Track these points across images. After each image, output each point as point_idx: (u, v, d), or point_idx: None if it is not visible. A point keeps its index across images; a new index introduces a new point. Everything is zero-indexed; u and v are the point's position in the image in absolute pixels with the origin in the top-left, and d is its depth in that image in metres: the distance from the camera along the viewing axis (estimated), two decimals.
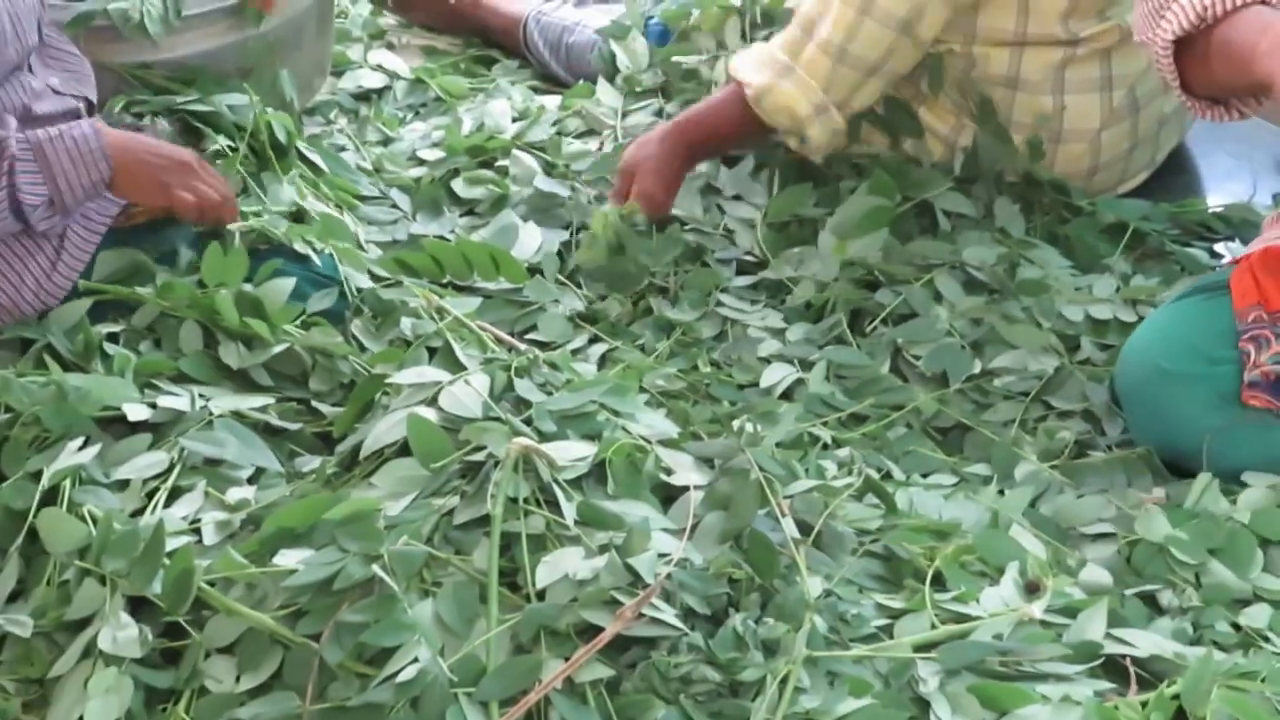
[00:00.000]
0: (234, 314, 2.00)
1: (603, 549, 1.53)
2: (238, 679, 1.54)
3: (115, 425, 1.85)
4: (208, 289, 2.03)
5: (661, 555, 1.53)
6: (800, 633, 1.48)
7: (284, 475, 1.84)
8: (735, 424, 1.80)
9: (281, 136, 2.46)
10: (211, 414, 1.87)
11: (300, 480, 1.81)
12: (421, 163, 2.74)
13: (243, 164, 2.39)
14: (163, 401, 1.87)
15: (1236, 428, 1.88)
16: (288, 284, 2.05)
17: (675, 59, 2.87)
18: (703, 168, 2.58)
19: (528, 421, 1.71)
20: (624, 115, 2.84)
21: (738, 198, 2.57)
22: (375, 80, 3.04)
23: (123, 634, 1.57)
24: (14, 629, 1.63)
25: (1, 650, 1.65)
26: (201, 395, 1.91)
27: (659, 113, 2.81)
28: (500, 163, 2.71)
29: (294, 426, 1.95)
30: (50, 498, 1.72)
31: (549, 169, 2.66)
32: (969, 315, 2.22)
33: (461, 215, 2.59)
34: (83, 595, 1.62)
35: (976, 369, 2.15)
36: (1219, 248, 2.47)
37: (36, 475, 1.74)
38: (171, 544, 1.63)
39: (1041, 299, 2.24)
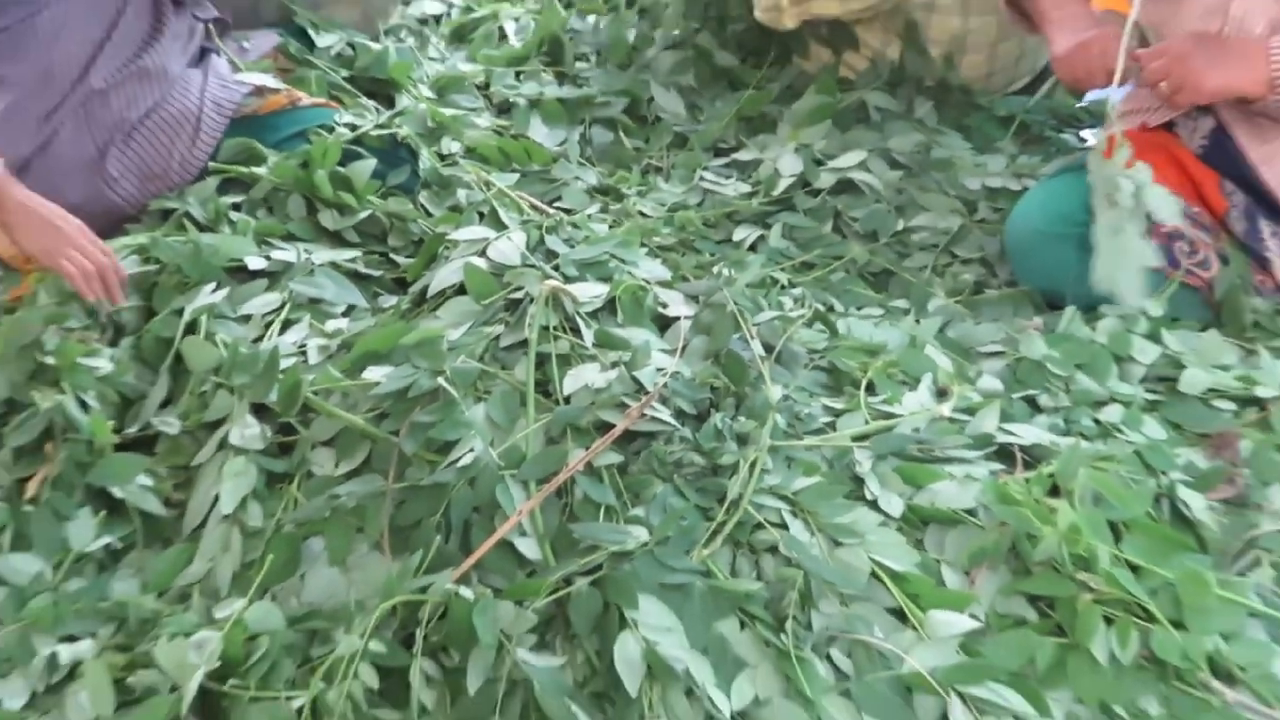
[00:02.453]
0: (329, 188, 1.97)
1: (614, 364, 1.52)
2: (336, 465, 1.53)
3: (239, 274, 1.83)
4: (309, 169, 1.98)
5: (659, 369, 1.52)
6: (765, 427, 1.47)
7: (369, 310, 1.82)
8: (715, 269, 1.79)
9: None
10: (313, 264, 1.84)
11: (382, 314, 1.79)
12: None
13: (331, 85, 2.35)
14: (275, 255, 1.85)
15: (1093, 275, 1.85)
16: (369, 164, 2.01)
17: None
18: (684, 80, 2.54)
19: (556, 268, 1.69)
20: None
21: (715, 99, 2.53)
22: (435, 8, 2.96)
23: (248, 431, 1.56)
24: (165, 428, 1.63)
25: (156, 445, 1.64)
26: (305, 250, 1.88)
27: None
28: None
29: (376, 273, 1.92)
30: (191, 329, 1.70)
31: (560, 78, 2.58)
32: (893, 186, 2.17)
33: (499, 115, 2.52)
34: (217, 403, 1.62)
35: (899, 227, 2.11)
36: (1084, 134, 2.43)
37: (179, 312, 1.72)
38: (284, 363, 1.62)
39: (949, 173, 2.20)
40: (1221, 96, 1.75)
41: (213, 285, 1.76)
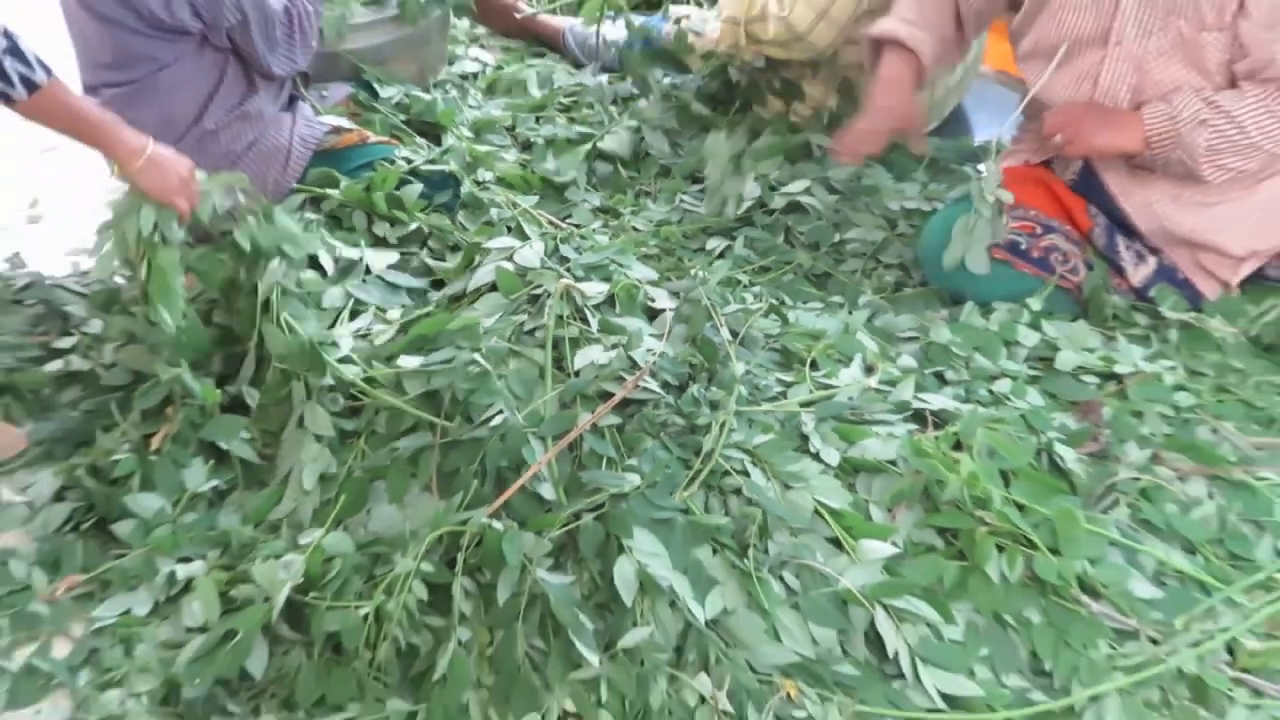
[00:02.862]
0: (384, 206, 1.94)
1: (614, 346, 1.50)
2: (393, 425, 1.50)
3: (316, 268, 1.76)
4: (370, 191, 1.95)
5: (649, 350, 1.50)
6: (731, 396, 1.45)
7: (420, 303, 1.77)
8: (692, 271, 1.77)
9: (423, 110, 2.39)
10: (369, 266, 1.79)
11: (429, 306, 1.75)
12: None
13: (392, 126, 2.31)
14: (342, 253, 1.80)
15: (988, 277, 1.82)
16: (416, 188, 1.98)
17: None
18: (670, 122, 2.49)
19: (568, 270, 1.67)
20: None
21: (692, 139, 2.50)
22: (473, 66, 2.91)
23: (319, 417, 1.52)
24: (252, 401, 1.61)
25: (251, 411, 1.61)
26: (364, 253, 1.82)
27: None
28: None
29: (419, 282, 1.85)
30: (266, 307, 1.62)
31: (571, 121, 2.54)
32: (831, 207, 2.14)
33: (523, 151, 2.47)
34: (296, 386, 1.57)
35: (836, 239, 2.08)
36: (980, 167, 2.40)
37: (254, 290, 1.64)
38: (353, 345, 1.59)
39: (875, 197, 2.18)
40: (1107, 153, 1.74)
41: (277, 260, 1.67)
